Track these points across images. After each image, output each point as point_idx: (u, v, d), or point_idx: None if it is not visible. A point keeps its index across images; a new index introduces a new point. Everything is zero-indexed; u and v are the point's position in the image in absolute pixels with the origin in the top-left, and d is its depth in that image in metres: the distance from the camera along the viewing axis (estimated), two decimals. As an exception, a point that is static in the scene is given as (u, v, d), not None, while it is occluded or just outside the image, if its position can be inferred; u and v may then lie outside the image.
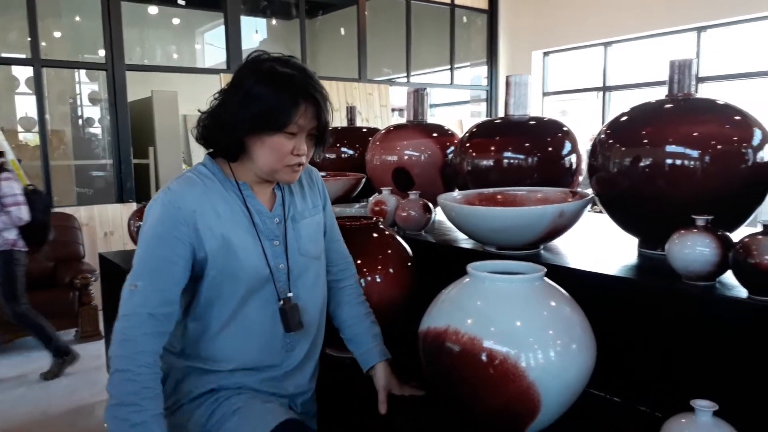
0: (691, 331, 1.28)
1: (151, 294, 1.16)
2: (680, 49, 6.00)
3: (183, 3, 8.20)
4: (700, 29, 5.75)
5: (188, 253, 1.19)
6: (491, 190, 1.87)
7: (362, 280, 1.59)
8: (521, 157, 1.99)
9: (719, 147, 1.45)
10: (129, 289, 1.17)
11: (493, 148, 2.02)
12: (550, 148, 1.99)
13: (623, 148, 1.57)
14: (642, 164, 1.51)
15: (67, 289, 4.10)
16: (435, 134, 2.45)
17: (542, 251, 1.71)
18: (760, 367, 1.17)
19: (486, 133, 2.12)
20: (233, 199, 1.26)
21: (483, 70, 7.63)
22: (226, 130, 1.21)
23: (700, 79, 5.80)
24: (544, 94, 7.36)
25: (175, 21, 8.82)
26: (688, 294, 1.28)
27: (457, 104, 8.38)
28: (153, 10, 8.04)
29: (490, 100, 7.56)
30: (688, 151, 1.47)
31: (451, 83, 7.34)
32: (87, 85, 7.79)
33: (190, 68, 7.97)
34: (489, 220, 1.56)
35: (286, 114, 1.18)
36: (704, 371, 1.26)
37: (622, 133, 1.62)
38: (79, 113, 7.64)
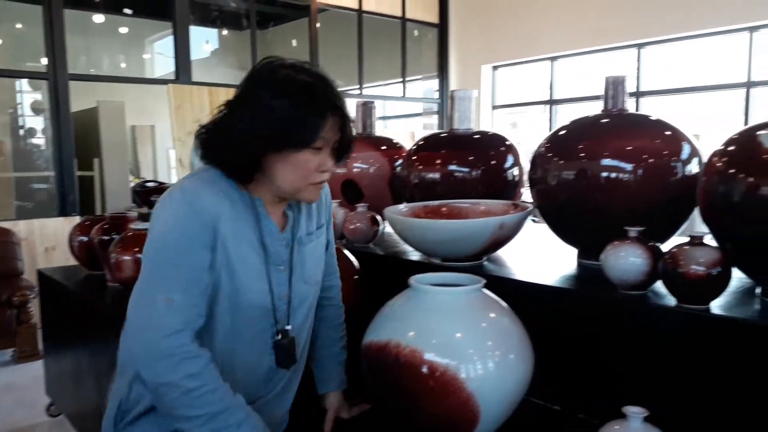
0: (626, 339, 1.32)
1: (190, 309, 1.05)
2: (622, 64, 6.24)
3: (130, 12, 8.02)
4: (640, 45, 5.99)
5: (210, 261, 1.08)
6: (437, 202, 1.89)
7: (308, 294, 1.59)
8: (466, 170, 2.03)
9: (651, 160, 1.52)
10: (164, 302, 1.03)
11: (438, 162, 2.05)
12: (493, 162, 2.04)
13: (561, 162, 1.62)
14: (579, 177, 1.56)
15: (4, 307, 3.91)
16: (383, 147, 2.47)
17: (485, 262, 1.74)
18: (689, 373, 1.22)
19: (432, 147, 2.15)
20: (245, 216, 1.13)
21: (435, 83, 7.74)
22: (240, 149, 1.08)
23: (641, 94, 6.04)
24: (494, 107, 7.52)
25: (123, 30, 8.62)
26: (621, 303, 1.33)
27: (410, 116, 8.47)
28: (99, 18, 7.84)
29: (442, 112, 7.66)
30: (622, 164, 1.53)
31: (404, 96, 7.42)
32: (30, 95, 7.53)
33: (136, 78, 7.81)
34: (432, 232, 1.58)
35: (312, 128, 1.07)
36: (639, 378, 1.30)
37: (561, 146, 1.67)
38: (21, 123, 7.36)
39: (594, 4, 6.11)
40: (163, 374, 1.01)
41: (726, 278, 1.18)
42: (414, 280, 1.24)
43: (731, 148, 1.26)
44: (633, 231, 1.33)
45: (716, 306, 1.22)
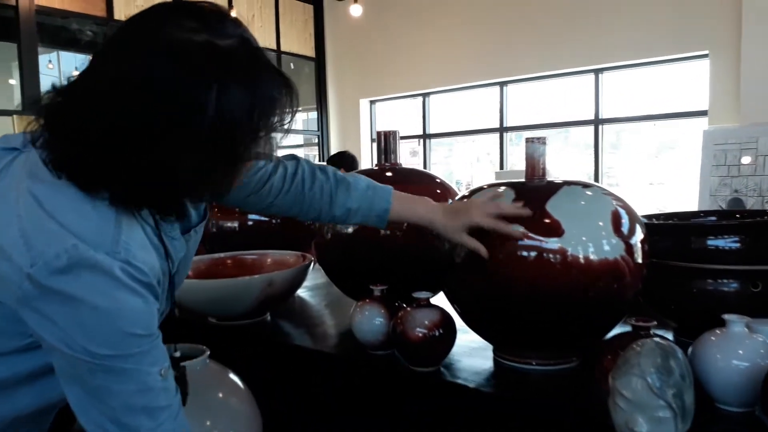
0: (386, 399, 1.27)
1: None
2: (488, 99, 6.53)
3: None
4: (502, 84, 6.32)
5: None
6: (224, 254, 1.81)
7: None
8: (265, 219, 1.97)
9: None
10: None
11: (236, 210, 1.98)
12: (293, 210, 1.99)
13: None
14: (348, 230, 1.54)
15: None
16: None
17: (270, 317, 1.67)
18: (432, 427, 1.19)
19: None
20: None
21: (315, 115, 7.74)
22: (197, 179, 0.76)
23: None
24: (373, 139, 7.61)
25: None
26: (370, 363, 1.29)
27: (291, 147, 8.41)
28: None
29: (322, 144, 7.66)
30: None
31: (282, 128, 7.35)
32: None
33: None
34: (193, 293, 1.48)
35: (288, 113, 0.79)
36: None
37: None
38: None
39: (461, 46, 6.38)
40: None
41: (450, 340, 1.18)
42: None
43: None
44: (377, 290, 1.30)
45: (449, 366, 1.21)
